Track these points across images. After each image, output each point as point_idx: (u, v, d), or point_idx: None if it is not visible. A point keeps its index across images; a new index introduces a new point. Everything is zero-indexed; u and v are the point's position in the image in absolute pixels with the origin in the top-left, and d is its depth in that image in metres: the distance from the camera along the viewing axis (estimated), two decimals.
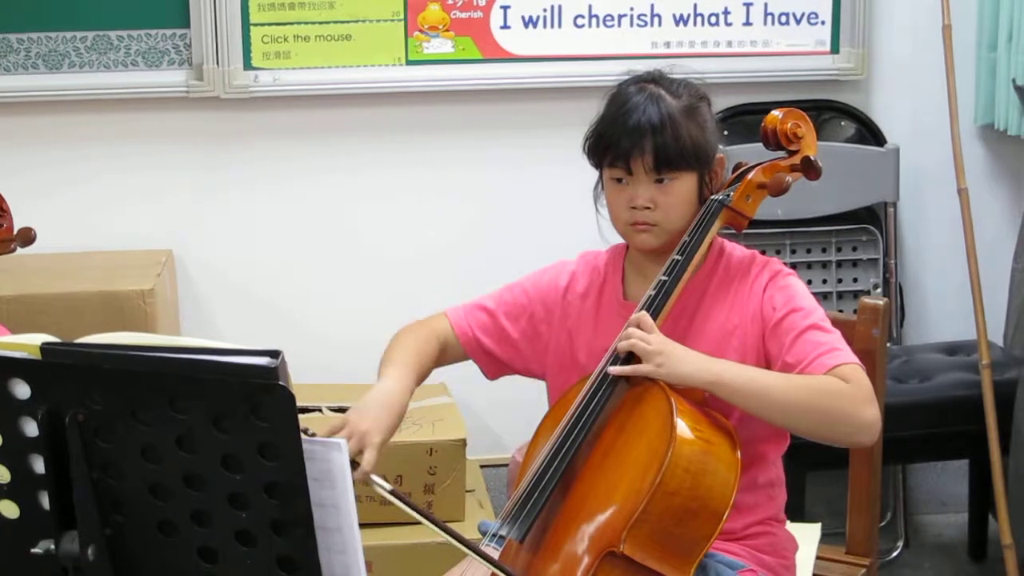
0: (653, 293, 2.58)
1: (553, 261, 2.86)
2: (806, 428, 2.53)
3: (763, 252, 2.78)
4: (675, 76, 2.70)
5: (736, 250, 2.74)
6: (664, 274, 2.60)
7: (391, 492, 2.41)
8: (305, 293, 4.36)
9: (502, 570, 2.38)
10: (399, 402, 2.57)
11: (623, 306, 2.71)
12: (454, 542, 2.37)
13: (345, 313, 4.36)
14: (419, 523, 2.44)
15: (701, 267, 2.67)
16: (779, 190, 2.68)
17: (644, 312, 2.55)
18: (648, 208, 2.62)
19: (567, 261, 2.83)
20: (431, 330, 2.78)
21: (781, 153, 2.73)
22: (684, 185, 2.63)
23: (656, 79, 2.68)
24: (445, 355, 2.77)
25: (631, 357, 2.52)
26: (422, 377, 2.70)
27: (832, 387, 2.50)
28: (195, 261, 4.31)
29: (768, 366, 2.59)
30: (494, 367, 2.81)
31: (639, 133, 2.58)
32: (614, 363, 2.53)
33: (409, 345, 2.73)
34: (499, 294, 2.81)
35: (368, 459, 2.45)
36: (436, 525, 2.40)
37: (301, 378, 3.11)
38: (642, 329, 2.51)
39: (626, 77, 2.72)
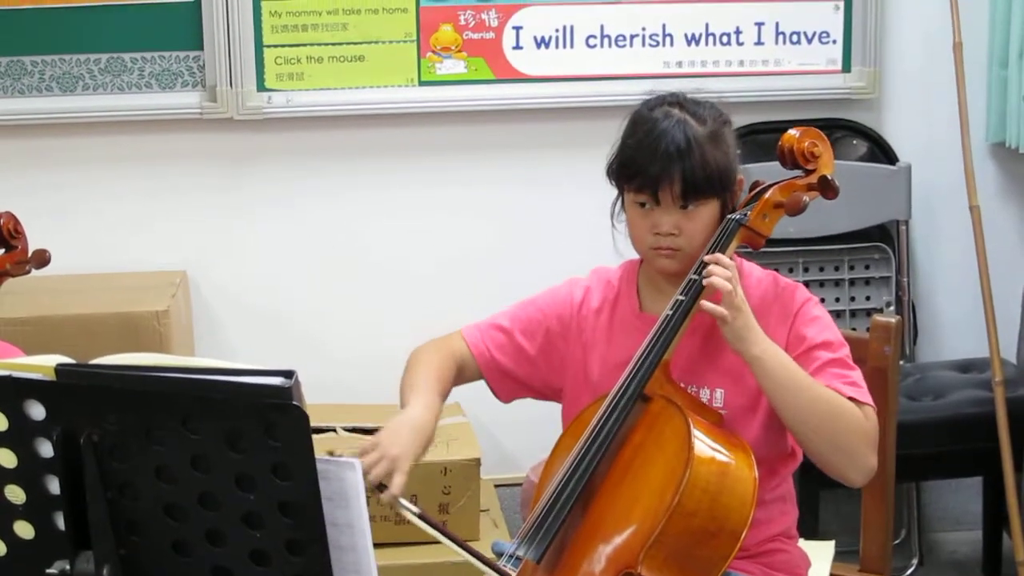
0: (671, 312, 2.58)
1: (566, 279, 2.86)
2: (813, 439, 2.56)
3: (776, 271, 2.79)
4: (698, 98, 2.70)
5: (755, 271, 2.74)
6: (681, 293, 2.59)
7: (419, 516, 2.42)
8: (319, 313, 4.36)
9: None
10: (428, 427, 2.57)
11: (639, 318, 2.71)
12: (485, 568, 2.38)
13: (359, 333, 4.37)
14: (435, 542, 2.46)
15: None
16: (796, 209, 2.67)
17: (719, 254, 2.57)
18: (672, 234, 2.62)
19: (579, 278, 2.84)
20: (448, 350, 2.77)
21: (798, 172, 2.72)
22: (708, 211, 2.63)
23: (680, 102, 2.67)
24: (462, 375, 2.77)
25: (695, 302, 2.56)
26: (445, 399, 2.71)
27: (852, 413, 2.55)
28: (210, 282, 4.31)
29: None
30: (509, 388, 2.81)
31: (667, 163, 2.58)
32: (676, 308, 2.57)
33: (431, 367, 2.72)
34: (513, 312, 2.82)
35: (397, 483, 2.45)
36: (466, 551, 2.40)
37: (316, 398, 3.12)
38: (725, 269, 2.53)
39: (648, 97, 2.72)
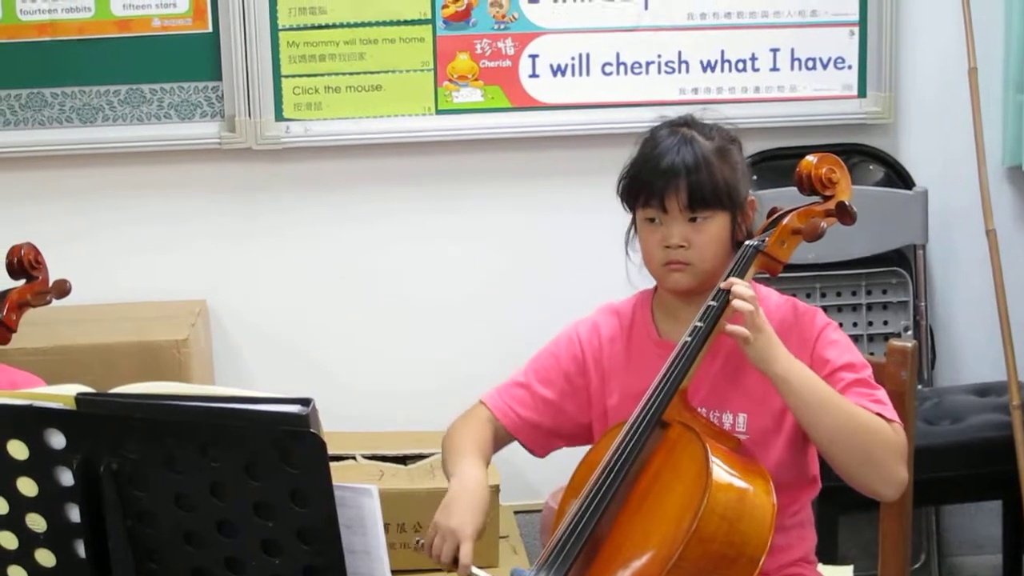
0: (689, 339, 2.59)
1: (583, 307, 2.88)
2: (843, 457, 2.57)
3: (794, 296, 2.80)
4: (706, 120, 2.73)
5: (772, 296, 2.75)
6: (700, 319, 2.60)
7: None
8: (338, 342, 4.37)
9: None
10: (478, 489, 2.58)
11: (658, 345, 2.72)
12: None
13: (378, 362, 4.37)
14: (452, 572, 2.49)
15: (737, 314, 2.68)
16: (814, 235, 2.67)
17: (736, 278, 2.58)
18: (682, 247, 2.64)
19: (583, 319, 2.85)
20: (476, 420, 2.77)
21: (816, 198, 2.72)
22: (717, 224, 2.65)
23: (688, 123, 2.72)
24: (496, 441, 2.78)
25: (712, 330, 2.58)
26: (487, 462, 2.71)
27: (883, 432, 2.57)
28: (229, 311, 4.33)
29: None
30: (542, 442, 2.81)
31: (673, 172, 2.62)
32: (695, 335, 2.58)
33: (466, 438, 2.73)
34: (527, 367, 2.82)
35: (465, 552, 2.49)
36: None
37: (334, 426, 3.14)
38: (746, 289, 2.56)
39: (658, 122, 2.76)
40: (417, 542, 2.58)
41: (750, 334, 2.52)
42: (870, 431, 2.55)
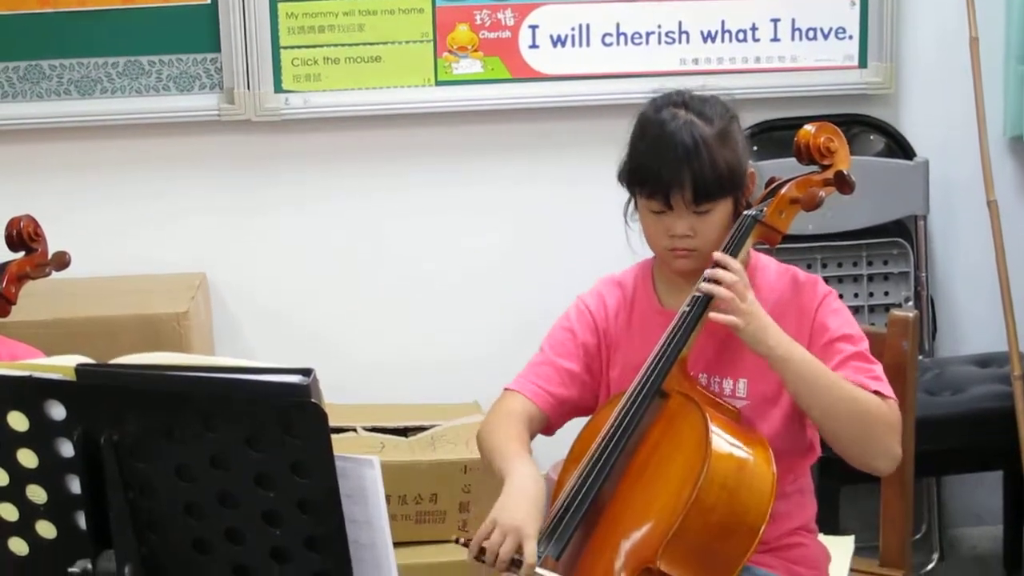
0: (688, 309, 2.59)
1: (585, 277, 2.87)
2: (840, 435, 2.58)
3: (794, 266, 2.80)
4: (704, 95, 2.70)
5: (771, 265, 2.75)
6: (699, 288, 2.59)
7: None
8: (339, 314, 4.37)
9: None
10: (536, 487, 2.51)
11: (660, 314, 2.71)
12: None
13: (377, 334, 4.37)
14: (455, 541, 2.47)
15: None
16: (812, 205, 2.67)
17: (728, 256, 2.56)
18: (688, 236, 2.63)
19: (586, 292, 2.83)
20: (511, 413, 2.71)
21: (814, 168, 2.72)
22: (722, 210, 2.64)
23: (686, 101, 2.67)
24: (531, 430, 2.72)
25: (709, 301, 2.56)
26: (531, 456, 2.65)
27: (879, 407, 2.57)
28: (229, 284, 4.32)
29: None
30: (564, 417, 2.78)
31: (676, 168, 2.58)
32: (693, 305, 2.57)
33: (507, 433, 2.66)
34: (544, 346, 2.80)
35: (530, 551, 2.40)
36: None
37: (335, 399, 3.14)
38: (732, 274, 2.53)
39: (653, 96, 2.72)
40: (457, 540, 2.49)
41: (739, 320, 2.51)
42: (866, 410, 2.56)
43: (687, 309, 2.59)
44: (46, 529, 2.09)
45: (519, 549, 2.41)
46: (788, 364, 2.53)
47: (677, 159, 2.58)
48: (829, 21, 4.33)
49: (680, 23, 4.28)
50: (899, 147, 4.38)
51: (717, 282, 2.53)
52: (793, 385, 2.55)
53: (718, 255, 2.57)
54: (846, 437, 2.58)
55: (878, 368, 2.64)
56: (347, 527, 1.97)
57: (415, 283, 4.38)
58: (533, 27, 4.25)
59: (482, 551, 2.44)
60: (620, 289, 2.80)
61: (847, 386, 2.56)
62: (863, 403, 2.56)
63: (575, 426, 2.74)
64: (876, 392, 2.58)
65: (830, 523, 3.52)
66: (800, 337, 2.62)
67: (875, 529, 3.11)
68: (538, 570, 2.41)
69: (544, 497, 2.52)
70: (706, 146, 2.59)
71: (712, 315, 2.54)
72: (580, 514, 2.48)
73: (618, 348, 2.76)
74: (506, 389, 2.76)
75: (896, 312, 2.98)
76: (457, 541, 2.50)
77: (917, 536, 4.28)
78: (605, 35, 4.28)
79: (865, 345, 2.66)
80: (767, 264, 2.74)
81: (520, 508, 2.46)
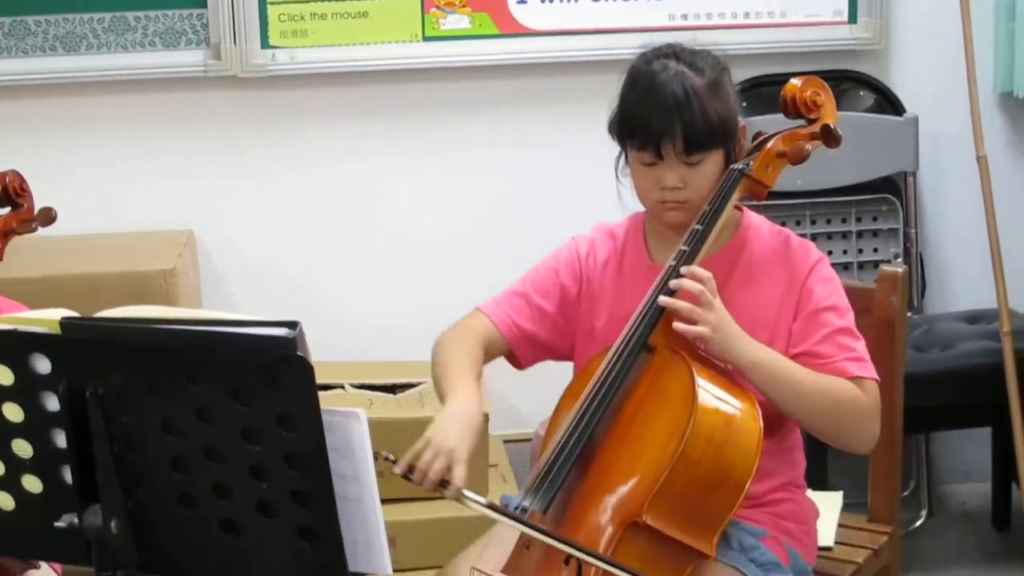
0: (674, 263, 2.58)
1: (575, 234, 2.86)
2: (815, 427, 2.64)
3: (783, 224, 2.79)
4: (695, 48, 2.69)
5: (765, 226, 2.74)
6: (685, 244, 2.60)
7: (488, 506, 2.39)
8: (326, 272, 4.36)
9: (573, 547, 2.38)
10: (475, 414, 2.53)
11: (650, 269, 2.70)
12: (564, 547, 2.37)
13: (366, 292, 4.37)
14: (440, 498, 2.45)
15: (728, 241, 2.68)
16: (799, 158, 2.67)
17: (699, 269, 2.54)
18: (679, 188, 2.62)
19: (581, 234, 2.83)
20: (472, 332, 2.74)
21: (800, 122, 2.72)
22: (712, 162, 2.63)
23: (677, 53, 2.66)
24: (489, 353, 2.75)
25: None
26: (480, 381, 2.67)
27: (854, 399, 2.59)
28: (216, 241, 4.31)
29: (788, 346, 2.63)
30: (531, 353, 2.79)
31: (668, 119, 2.57)
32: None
33: (461, 353, 2.68)
34: (525, 278, 2.81)
35: (459, 475, 2.41)
36: (553, 538, 2.38)
37: (323, 356, 3.12)
38: (700, 284, 2.51)
39: (644, 51, 2.71)
40: (386, 457, 2.41)
41: (704, 329, 2.50)
42: (842, 402, 2.58)
43: (673, 263, 2.58)
44: (32, 483, 2.09)
45: (449, 471, 2.41)
46: (758, 371, 2.54)
47: (668, 109, 2.57)
48: None
49: None
50: (889, 103, 4.37)
51: (681, 289, 2.52)
52: (763, 388, 2.55)
53: (685, 268, 2.55)
54: (823, 429, 2.63)
55: (861, 345, 2.64)
56: (335, 482, 1.96)
57: (403, 239, 4.37)
58: None
59: (411, 469, 2.43)
60: (612, 240, 2.79)
61: (821, 382, 2.57)
62: (837, 396, 2.58)
63: (561, 383, 2.73)
64: (856, 377, 2.59)
65: (819, 479, 3.53)
66: (787, 300, 2.64)
67: (864, 486, 3.11)
68: (465, 492, 2.40)
69: (480, 425, 2.53)
70: (697, 96, 2.58)
71: (676, 326, 2.53)
72: (567, 469, 2.48)
73: (603, 298, 2.75)
74: (476, 308, 2.79)
75: (885, 268, 2.98)
76: (387, 458, 2.42)
77: (905, 492, 4.28)
78: None
79: (851, 318, 2.66)
80: (760, 223, 2.74)
81: (455, 430, 2.46)
